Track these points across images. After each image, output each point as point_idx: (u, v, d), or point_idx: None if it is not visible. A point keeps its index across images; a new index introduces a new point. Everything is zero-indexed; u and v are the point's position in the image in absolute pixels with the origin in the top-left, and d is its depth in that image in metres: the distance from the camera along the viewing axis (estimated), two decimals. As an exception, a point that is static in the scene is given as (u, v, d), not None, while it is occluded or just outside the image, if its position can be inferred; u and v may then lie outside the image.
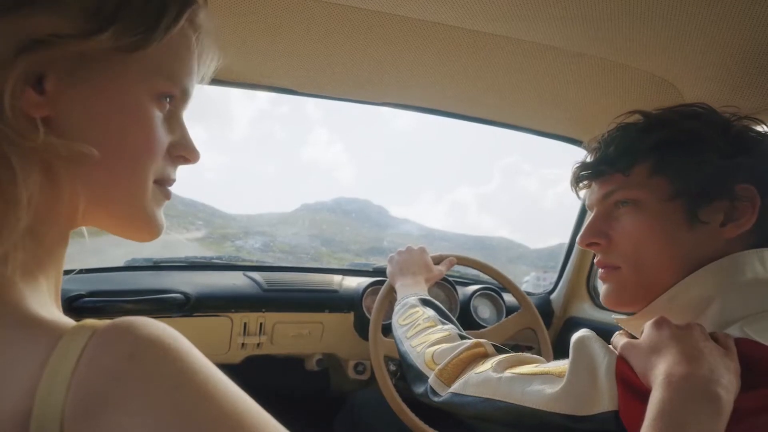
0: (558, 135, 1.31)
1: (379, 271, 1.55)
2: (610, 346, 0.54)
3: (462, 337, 0.79)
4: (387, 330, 1.31)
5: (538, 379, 0.57)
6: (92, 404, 0.27)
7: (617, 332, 0.57)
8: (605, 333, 0.56)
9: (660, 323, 0.51)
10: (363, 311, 1.36)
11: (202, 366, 0.30)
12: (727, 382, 0.43)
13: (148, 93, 0.40)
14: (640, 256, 0.61)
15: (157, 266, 1.39)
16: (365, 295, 1.38)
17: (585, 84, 0.97)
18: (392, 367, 1.34)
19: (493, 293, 1.48)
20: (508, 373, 0.61)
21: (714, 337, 0.49)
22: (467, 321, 1.40)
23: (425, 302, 0.98)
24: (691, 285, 0.57)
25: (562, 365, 0.56)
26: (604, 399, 0.49)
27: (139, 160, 0.40)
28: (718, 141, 0.58)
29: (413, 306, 0.97)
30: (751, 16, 0.67)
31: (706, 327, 0.50)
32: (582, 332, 0.56)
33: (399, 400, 1.09)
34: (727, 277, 0.55)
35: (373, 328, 1.16)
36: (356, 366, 1.40)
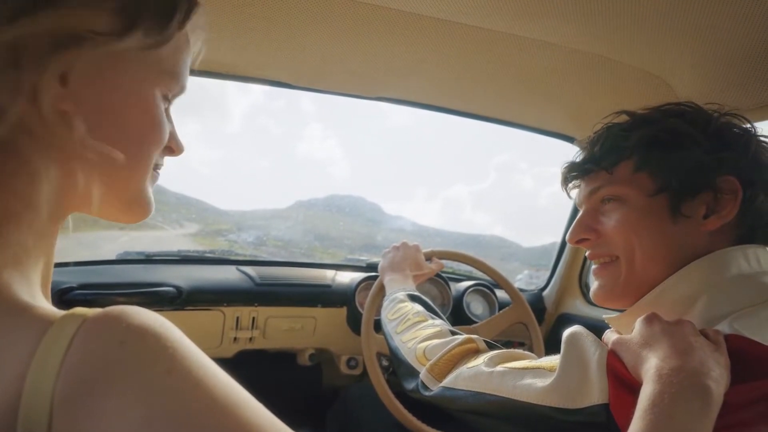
0: (552, 132, 1.32)
1: (373, 267, 1.54)
2: (602, 341, 0.55)
3: (453, 333, 0.80)
4: (379, 325, 1.31)
5: (529, 374, 0.57)
6: (82, 390, 0.27)
7: (609, 329, 0.57)
8: (597, 329, 0.57)
9: (651, 319, 0.52)
10: (356, 306, 1.36)
11: (194, 354, 0.30)
12: (718, 376, 0.43)
13: (160, 90, 0.42)
14: (629, 249, 0.62)
15: (149, 260, 1.38)
16: (358, 290, 1.39)
17: (579, 80, 0.97)
18: (384, 363, 1.34)
19: (485, 289, 1.49)
20: (500, 367, 0.62)
21: (704, 333, 0.49)
22: (460, 317, 1.41)
23: (413, 298, 0.98)
24: (678, 282, 0.58)
25: (553, 360, 0.57)
26: (595, 392, 0.49)
27: (151, 153, 0.42)
28: (700, 137, 0.60)
29: (401, 301, 0.97)
30: (744, 16, 0.67)
31: (695, 323, 0.51)
32: (574, 328, 0.57)
33: (391, 395, 1.09)
34: (713, 273, 0.56)
35: (366, 324, 1.16)
36: (349, 361, 1.40)
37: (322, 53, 0.97)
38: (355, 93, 1.19)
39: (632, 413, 0.43)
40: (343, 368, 1.40)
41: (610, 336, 0.54)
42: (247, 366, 1.33)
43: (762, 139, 0.61)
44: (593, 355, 0.52)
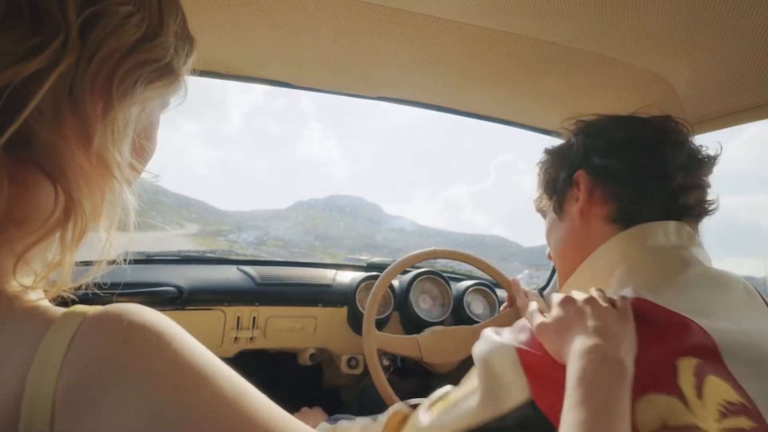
0: (553, 131, 1.32)
1: (373, 266, 1.54)
2: (525, 320, 0.58)
3: (374, 420, 0.76)
4: (380, 324, 1.30)
5: (462, 401, 0.57)
6: (84, 388, 0.27)
7: (531, 309, 0.60)
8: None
9: (564, 302, 0.56)
10: (356, 306, 1.36)
11: (197, 350, 0.30)
12: (628, 346, 0.49)
13: None
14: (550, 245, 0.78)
15: (149, 260, 1.38)
16: (359, 289, 1.38)
17: (581, 79, 0.97)
18: (385, 362, 1.34)
19: (486, 289, 1.48)
20: (436, 408, 0.60)
21: (612, 302, 0.54)
22: (460, 317, 1.40)
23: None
24: (605, 252, 0.64)
25: (476, 380, 0.57)
26: (517, 391, 0.51)
27: None
28: (553, 160, 0.76)
29: None
30: (745, 15, 0.67)
31: (611, 291, 0.57)
32: (480, 340, 0.59)
33: (392, 393, 1.09)
34: (632, 245, 0.62)
35: (367, 323, 1.16)
36: (349, 361, 1.40)
37: (322, 52, 0.97)
38: (355, 92, 1.19)
39: (555, 398, 0.47)
40: (344, 368, 1.40)
41: (534, 319, 0.57)
42: (247, 366, 1.32)
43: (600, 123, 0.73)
44: (503, 357, 0.54)
